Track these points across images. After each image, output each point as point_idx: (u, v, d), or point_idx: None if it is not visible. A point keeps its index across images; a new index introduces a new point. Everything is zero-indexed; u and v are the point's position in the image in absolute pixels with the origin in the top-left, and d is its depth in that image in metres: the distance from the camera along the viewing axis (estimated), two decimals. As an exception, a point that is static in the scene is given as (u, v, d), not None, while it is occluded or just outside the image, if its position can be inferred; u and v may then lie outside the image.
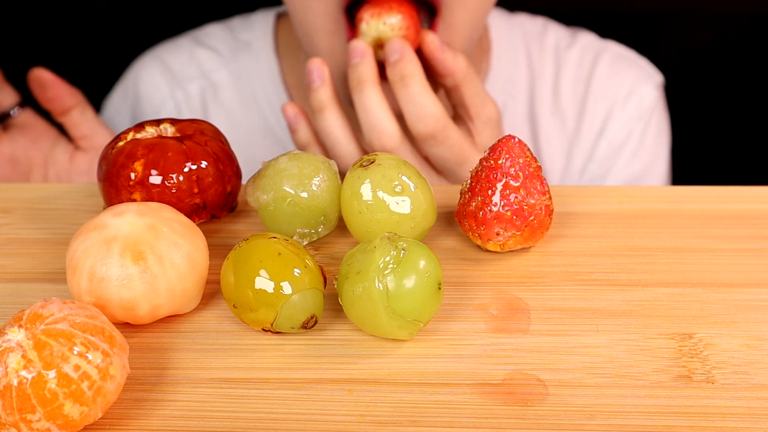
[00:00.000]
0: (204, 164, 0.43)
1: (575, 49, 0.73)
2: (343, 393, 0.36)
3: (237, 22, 0.75)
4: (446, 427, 0.34)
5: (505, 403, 0.35)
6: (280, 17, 0.73)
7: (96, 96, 0.80)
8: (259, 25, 0.73)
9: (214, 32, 0.74)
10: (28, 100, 0.63)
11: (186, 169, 0.43)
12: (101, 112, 0.77)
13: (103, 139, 0.64)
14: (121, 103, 0.74)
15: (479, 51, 0.71)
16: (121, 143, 0.44)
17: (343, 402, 0.35)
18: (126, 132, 0.45)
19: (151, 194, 0.42)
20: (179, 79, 0.72)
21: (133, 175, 0.42)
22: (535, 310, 0.40)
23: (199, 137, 0.44)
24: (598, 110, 0.72)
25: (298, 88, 0.71)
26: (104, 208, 0.43)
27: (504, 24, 0.73)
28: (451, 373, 0.37)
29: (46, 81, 0.61)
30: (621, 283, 0.42)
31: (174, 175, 0.43)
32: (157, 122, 0.46)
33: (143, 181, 0.42)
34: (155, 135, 0.45)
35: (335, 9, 0.56)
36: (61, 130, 0.64)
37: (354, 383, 0.36)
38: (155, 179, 0.42)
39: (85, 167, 0.63)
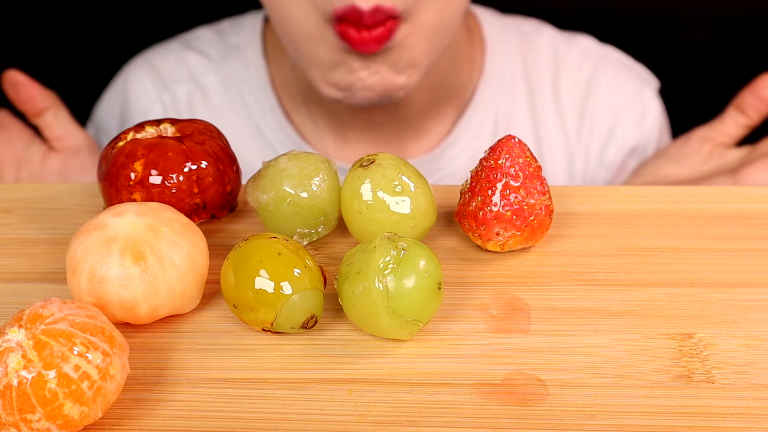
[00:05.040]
0: (204, 164, 0.43)
1: (574, 52, 0.73)
2: (343, 393, 0.36)
3: (227, 26, 0.75)
4: (446, 427, 0.34)
5: (505, 403, 0.35)
6: (269, 20, 0.74)
7: (88, 99, 0.81)
8: (248, 28, 0.73)
9: (203, 36, 0.75)
10: (5, 101, 0.64)
11: (186, 169, 0.43)
12: (93, 115, 0.77)
13: (75, 140, 0.64)
14: (111, 106, 0.75)
15: (471, 50, 0.71)
16: (121, 143, 0.44)
17: (343, 402, 0.35)
18: (126, 132, 0.45)
19: (151, 194, 0.42)
20: (168, 83, 0.72)
21: (133, 175, 0.42)
22: (535, 310, 0.40)
23: (199, 137, 0.44)
24: (601, 117, 0.72)
25: (285, 90, 0.71)
26: (104, 208, 0.43)
27: (497, 25, 0.73)
28: (451, 373, 0.37)
29: (19, 83, 0.62)
30: (621, 283, 0.42)
31: (174, 175, 0.42)
32: (157, 122, 0.46)
33: (143, 181, 0.42)
34: (155, 135, 0.45)
35: (317, 17, 0.56)
36: (37, 131, 0.65)
37: (354, 383, 0.36)
38: (155, 179, 0.42)
39: (57, 167, 0.64)
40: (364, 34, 0.55)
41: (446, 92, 0.69)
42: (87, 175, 0.64)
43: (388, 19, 0.55)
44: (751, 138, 0.64)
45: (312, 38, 0.58)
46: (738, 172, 0.58)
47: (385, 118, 0.68)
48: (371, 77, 0.58)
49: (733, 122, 0.62)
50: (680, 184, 0.61)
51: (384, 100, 0.60)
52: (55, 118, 0.64)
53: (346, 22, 0.55)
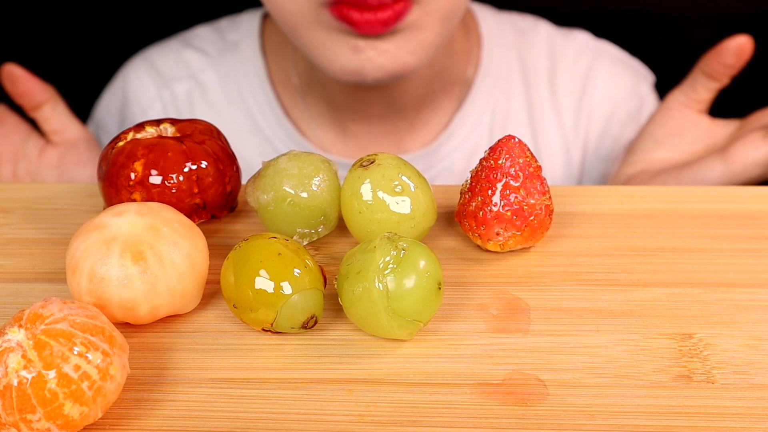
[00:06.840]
0: (204, 164, 0.43)
1: (571, 47, 0.73)
2: (343, 393, 0.36)
3: (225, 23, 0.76)
4: (446, 427, 0.34)
5: (505, 403, 0.35)
6: (267, 17, 0.74)
7: (88, 98, 0.81)
8: (246, 25, 0.74)
9: (202, 33, 0.75)
10: (3, 96, 0.64)
11: (186, 169, 0.43)
12: (93, 113, 0.77)
13: (73, 134, 0.64)
14: (110, 104, 0.75)
15: (467, 44, 0.71)
16: (121, 143, 0.44)
17: (343, 402, 0.35)
18: (126, 132, 0.45)
19: (151, 194, 0.42)
20: (167, 80, 0.73)
21: (133, 175, 0.42)
22: (535, 310, 0.40)
23: (199, 137, 0.44)
24: (598, 110, 0.72)
25: (284, 86, 0.71)
26: (104, 208, 0.43)
27: (494, 20, 0.74)
28: (451, 373, 0.37)
29: (17, 76, 0.62)
30: (621, 283, 0.42)
31: (174, 175, 0.42)
32: (157, 122, 0.46)
33: (143, 181, 0.42)
34: (155, 135, 0.45)
35: (310, 3, 0.56)
36: (35, 125, 0.65)
37: (354, 383, 0.36)
38: (155, 179, 0.42)
39: (54, 161, 0.64)
40: (367, 15, 0.55)
41: (442, 84, 0.70)
42: (84, 168, 0.64)
43: (397, 2, 0.55)
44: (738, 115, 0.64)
45: (309, 23, 0.58)
46: (727, 150, 0.58)
47: (382, 110, 0.68)
48: (380, 57, 0.58)
49: (704, 89, 0.62)
50: (672, 168, 0.61)
51: (394, 79, 0.60)
52: (53, 112, 0.64)
53: (345, 4, 0.55)
